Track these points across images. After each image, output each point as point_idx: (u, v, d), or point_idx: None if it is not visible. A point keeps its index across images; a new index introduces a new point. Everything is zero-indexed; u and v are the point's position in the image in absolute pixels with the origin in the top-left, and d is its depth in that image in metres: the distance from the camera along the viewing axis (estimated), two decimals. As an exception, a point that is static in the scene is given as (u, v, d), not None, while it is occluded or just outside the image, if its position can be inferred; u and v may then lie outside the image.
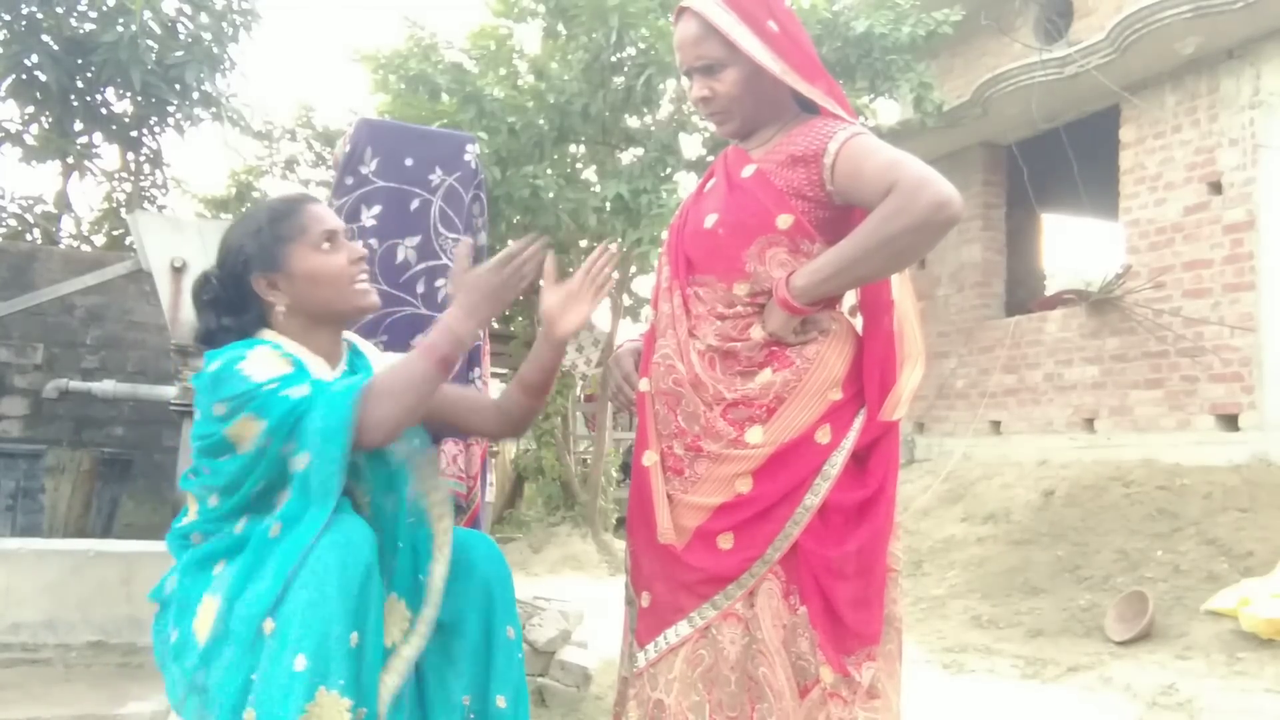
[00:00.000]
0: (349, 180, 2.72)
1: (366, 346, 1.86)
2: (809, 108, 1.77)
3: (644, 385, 1.78)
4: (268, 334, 1.67)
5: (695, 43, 1.75)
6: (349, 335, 1.83)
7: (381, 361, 1.83)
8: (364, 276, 1.70)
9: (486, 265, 1.64)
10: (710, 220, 1.75)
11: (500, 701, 1.61)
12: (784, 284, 1.64)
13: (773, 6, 1.75)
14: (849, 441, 1.67)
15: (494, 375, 8.67)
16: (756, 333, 1.68)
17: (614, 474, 9.60)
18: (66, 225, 7.65)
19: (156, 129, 7.43)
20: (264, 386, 1.49)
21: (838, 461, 1.65)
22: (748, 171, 1.75)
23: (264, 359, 1.55)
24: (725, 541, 1.65)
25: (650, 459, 1.72)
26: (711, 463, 1.67)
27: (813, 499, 1.64)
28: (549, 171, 7.08)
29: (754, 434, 1.66)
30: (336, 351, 1.73)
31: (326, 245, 1.68)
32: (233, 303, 1.69)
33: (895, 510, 1.71)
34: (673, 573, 1.68)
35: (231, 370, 1.52)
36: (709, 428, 1.67)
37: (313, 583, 1.37)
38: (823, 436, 1.66)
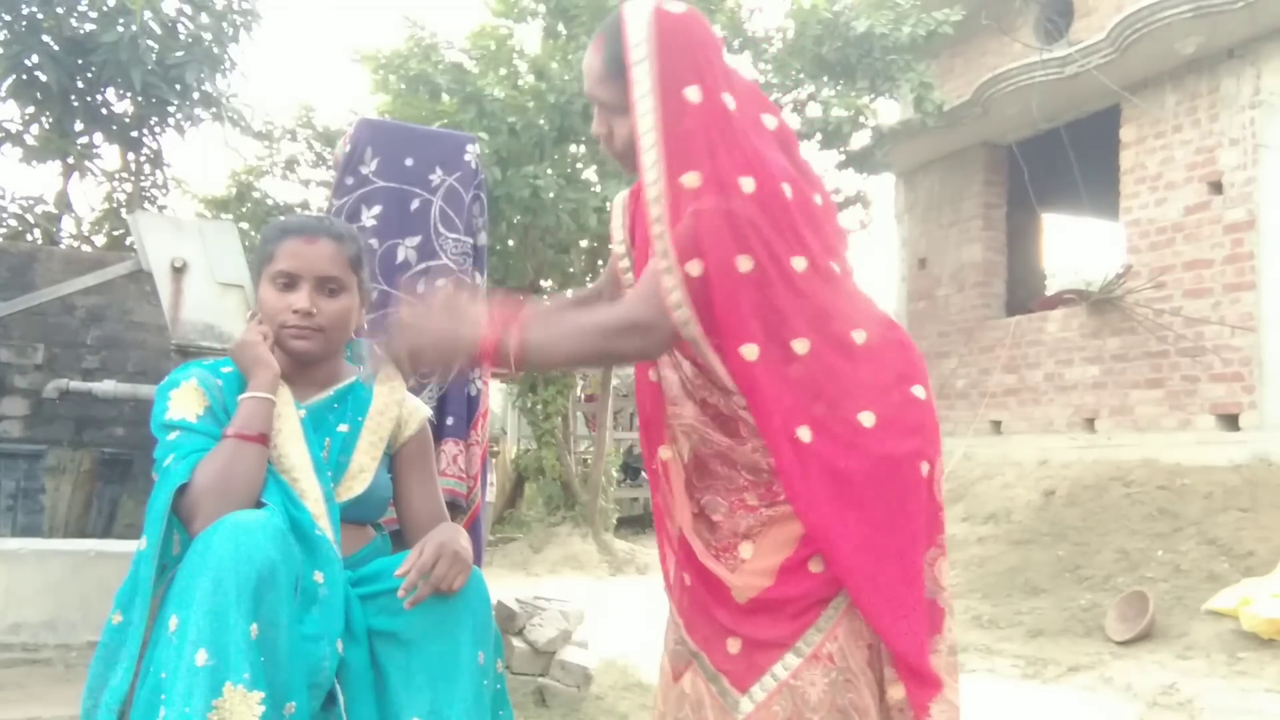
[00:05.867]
0: (349, 180, 2.72)
1: (388, 375, 1.82)
2: None
3: (665, 453, 1.69)
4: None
5: (595, 80, 1.59)
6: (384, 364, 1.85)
7: (391, 392, 1.82)
8: (298, 328, 1.68)
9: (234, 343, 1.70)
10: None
11: None
12: (518, 332, 1.42)
13: (708, 70, 1.51)
14: None
15: (494, 375, 8.67)
16: None
17: (614, 474, 9.60)
18: (67, 225, 7.64)
19: (157, 129, 7.42)
20: (167, 435, 1.60)
21: None
22: None
23: (186, 394, 1.64)
24: (816, 565, 1.56)
25: (692, 532, 1.62)
26: (774, 502, 1.59)
27: None
28: (549, 171, 7.08)
29: None
30: (311, 379, 1.75)
31: (281, 283, 1.70)
32: None
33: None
34: (761, 615, 1.57)
35: (164, 395, 1.64)
36: (754, 483, 1.60)
37: (210, 576, 1.37)
38: None
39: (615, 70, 1.53)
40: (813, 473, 1.50)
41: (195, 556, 1.41)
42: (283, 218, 1.81)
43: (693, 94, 1.48)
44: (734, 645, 1.60)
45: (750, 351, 1.46)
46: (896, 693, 1.56)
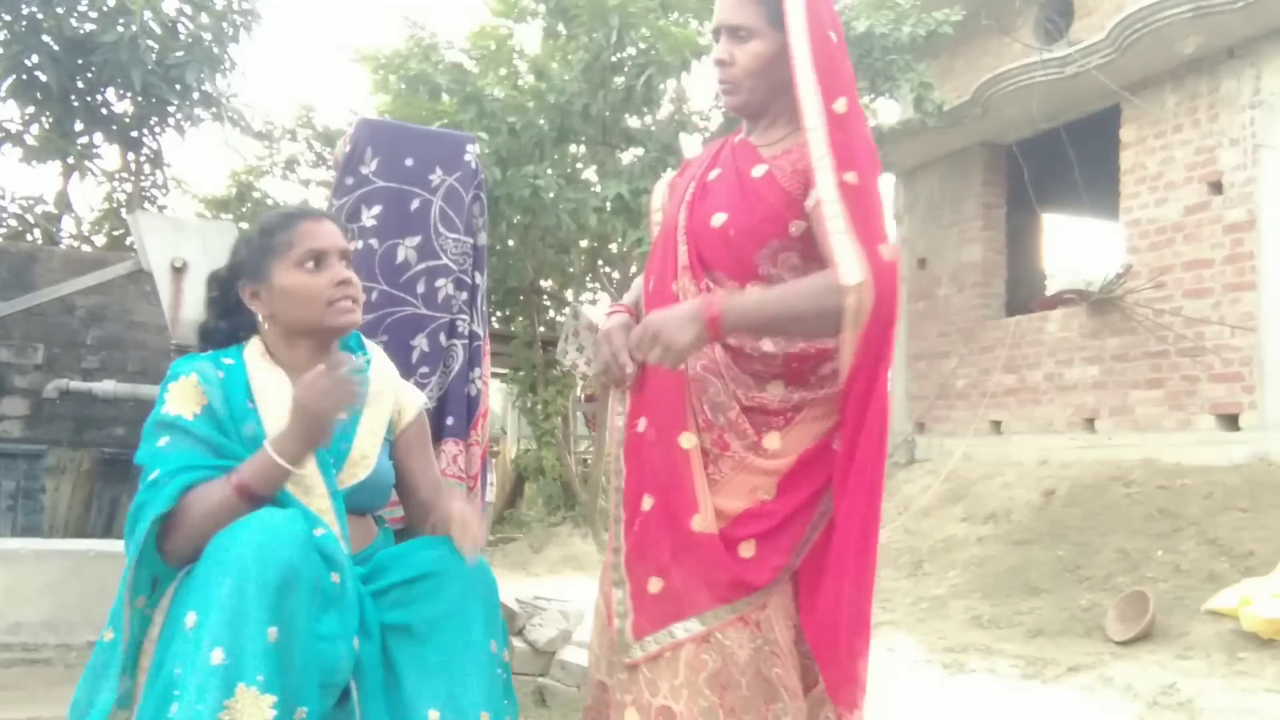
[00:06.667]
0: (349, 180, 2.72)
1: (380, 361, 1.86)
2: None
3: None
4: (251, 341, 1.74)
5: (733, 5, 1.72)
6: (370, 346, 1.85)
7: (389, 369, 1.84)
8: (345, 299, 1.69)
9: (321, 383, 1.57)
10: (719, 219, 1.70)
11: (484, 718, 1.54)
12: (718, 303, 1.58)
13: (839, 22, 1.71)
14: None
15: (494, 375, 8.67)
16: (767, 345, 1.65)
17: (614, 474, 9.57)
18: (67, 225, 7.66)
19: (157, 129, 7.43)
20: (157, 441, 1.56)
21: None
22: (759, 171, 1.71)
23: (184, 392, 1.60)
24: (746, 550, 1.61)
25: (689, 441, 1.65)
26: (735, 466, 1.63)
27: (828, 504, 1.62)
28: (549, 171, 7.09)
29: (771, 440, 1.64)
30: (314, 367, 1.74)
31: (310, 264, 1.69)
32: (228, 307, 1.76)
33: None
34: (698, 566, 1.60)
35: (164, 388, 1.61)
36: (734, 424, 1.64)
37: (231, 575, 1.36)
38: (839, 443, 1.65)
39: None
40: (884, 406, 1.58)
41: (217, 554, 1.40)
42: (270, 212, 1.80)
43: (834, 35, 1.66)
44: (655, 585, 1.63)
45: (889, 252, 1.58)
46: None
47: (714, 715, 1.54)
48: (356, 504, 1.70)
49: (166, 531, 1.50)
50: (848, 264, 1.53)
